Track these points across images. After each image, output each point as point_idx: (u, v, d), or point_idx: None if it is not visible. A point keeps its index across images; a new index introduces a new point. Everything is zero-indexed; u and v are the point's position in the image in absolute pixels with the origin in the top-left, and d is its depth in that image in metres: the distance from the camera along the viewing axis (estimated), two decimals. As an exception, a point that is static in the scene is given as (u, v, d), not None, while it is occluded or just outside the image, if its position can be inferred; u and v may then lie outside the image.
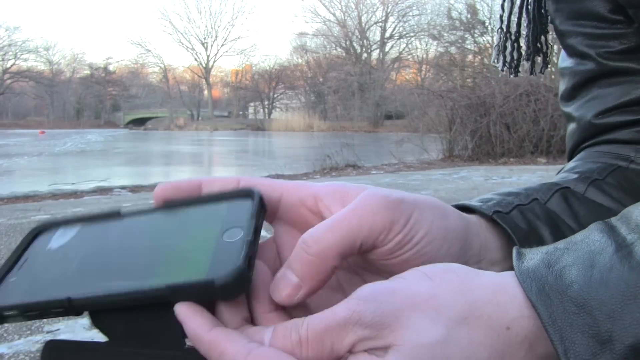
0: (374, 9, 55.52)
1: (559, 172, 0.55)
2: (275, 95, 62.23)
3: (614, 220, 0.32)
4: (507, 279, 0.30)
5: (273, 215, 0.36)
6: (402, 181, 7.79)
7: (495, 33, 0.68)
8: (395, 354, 0.27)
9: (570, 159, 0.58)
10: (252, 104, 64.80)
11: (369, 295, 0.29)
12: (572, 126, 0.59)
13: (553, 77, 12.64)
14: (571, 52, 0.57)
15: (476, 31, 38.58)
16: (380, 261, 0.34)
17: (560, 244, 0.32)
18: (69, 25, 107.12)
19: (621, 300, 0.25)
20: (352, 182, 0.31)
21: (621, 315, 0.25)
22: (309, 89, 59.81)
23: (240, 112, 64.86)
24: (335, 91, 53.69)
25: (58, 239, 0.37)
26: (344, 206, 0.33)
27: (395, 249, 0.33)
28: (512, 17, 0.65)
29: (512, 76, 0.69)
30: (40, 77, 62.43)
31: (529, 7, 0.64)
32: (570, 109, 0.59)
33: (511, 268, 0.31)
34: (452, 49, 42.67)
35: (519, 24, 0.65)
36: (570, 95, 0.58)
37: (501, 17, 0.66)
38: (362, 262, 0.36)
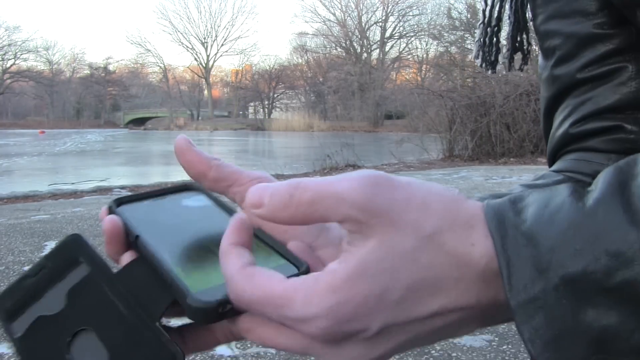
0: (374, 9, 55.54)
1: (535, 179, 0.54)
2: (275, 95, 62.21)
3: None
4: (483, 210, 0.32)
5: None
6: (402, 181, 7.77)
7: (477, 29, 0.68)
8: (372, 247, 0.30)
9: (550, 165, 0.57)
10: (252, 104, 64.77)
11: (370, 180, 0.30)
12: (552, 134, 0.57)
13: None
14: (550, 55, 0.54)
15: (476, 31, 38.71)
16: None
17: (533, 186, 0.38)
18: (69, 25, 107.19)
19: (562, 237, 0.29)
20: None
21: (559, 250, 0.28)
22: (309, 88, 59.79)
23: (240, 112, 64.83)
24: (335, 91, 53.67)
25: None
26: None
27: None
28: (494, 11, 0.65)
29: (488, 72, 0.69)
30: (40, 77, 62.41)
31: (512, 2, 0.63)
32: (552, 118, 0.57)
33: None
34: (452, 49, 42.74)
35: (498, 19, 0.65)
36: (552, 106, 0.56)
37: (483, 11, 0.65)
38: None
